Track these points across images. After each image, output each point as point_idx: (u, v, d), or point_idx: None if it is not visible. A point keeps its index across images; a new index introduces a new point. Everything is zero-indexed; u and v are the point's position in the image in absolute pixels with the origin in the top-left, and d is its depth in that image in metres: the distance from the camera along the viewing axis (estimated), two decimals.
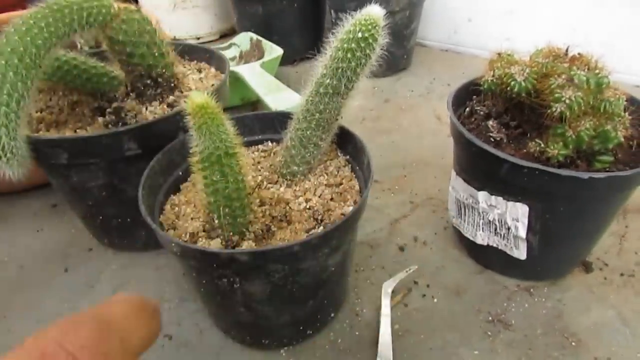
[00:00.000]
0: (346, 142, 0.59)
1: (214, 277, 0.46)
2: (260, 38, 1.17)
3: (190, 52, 0.80)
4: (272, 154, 0.62)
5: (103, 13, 0.59)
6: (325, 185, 0.56)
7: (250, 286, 0.46)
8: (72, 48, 0.86)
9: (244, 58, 1.21)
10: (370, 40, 0.46)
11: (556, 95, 0.51)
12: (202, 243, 0.48)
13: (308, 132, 0.53)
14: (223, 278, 0.46)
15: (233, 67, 1.00)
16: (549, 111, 0.52)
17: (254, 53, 1.18)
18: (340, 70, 0.48)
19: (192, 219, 0.52)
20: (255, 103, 1.08)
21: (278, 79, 0.99)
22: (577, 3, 1.11)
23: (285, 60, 1.19)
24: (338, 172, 0.58)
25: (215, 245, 0.47)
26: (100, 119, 0.63)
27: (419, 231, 0.74)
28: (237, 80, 0.99)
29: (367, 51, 0.46)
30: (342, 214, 0.51)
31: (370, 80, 1.21)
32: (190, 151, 0.44)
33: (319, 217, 0.51)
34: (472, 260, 0.68)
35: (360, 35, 0.45)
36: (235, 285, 0.46)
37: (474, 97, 0.68)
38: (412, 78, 1.22)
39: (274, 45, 1.11)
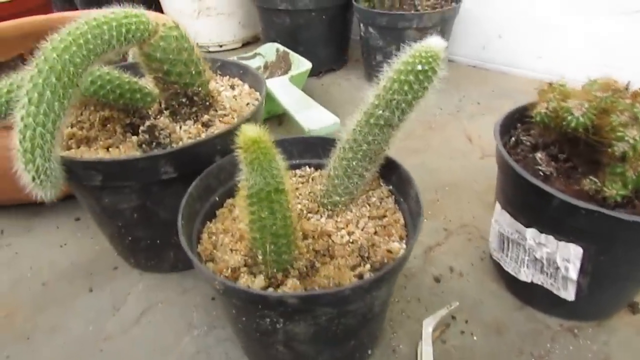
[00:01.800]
0: (390, 171, 0.57)
1: (256, 317, 0.44)
2: (287, 50, 1.15)
3: (222, 67, 0.78)
4: (310, 180, 0.60)
5: (142, 29, 0.57)
6: (368, 217, 0.54)
7: (294, 327, 0.44)
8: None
9: (269, 69, 1.19)
10: (430, 73, 0.44)
11: (619, 134, 0.49)
12: (245, 280, 0.45)
13: (354, 163, 0.51)
14: (266, 318, 0.44)
15: None
16: (609, 150, 0.49)
17: (280, 65, 1.16)
18: (395, 102, 0.46)
19: (231, 250, 0.50)
20: (281, 116, 1.06)
21: (304, 92, 0.96)
22: (611, 19, 1.08)
23: (310, 72, 1.17)
24: (381, 203, 0.55)
25: (258, 282, 0.45)
26: (134, 138, 0.61)
27: (454, 261, 0.71)
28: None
29: (425, 84, 0.44)
30: (388, 251, 0.49)
31: None
32: (239, 185, 0.42)
33: (365, 254, 0.49)
34: (511, 295, 0.65)
35: (420, 67, 0.43)
36: (278, 326, 0.44)
37: (519, 125, 0.66)
38: (440, 95, 1.19)
39: (302, 58, 1.09)
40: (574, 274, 0.54)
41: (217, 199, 0.56)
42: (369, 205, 0.55)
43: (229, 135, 0.58)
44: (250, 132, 0.39)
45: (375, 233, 0.52)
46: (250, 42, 1.53)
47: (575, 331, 0.60)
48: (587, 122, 0.51)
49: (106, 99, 0.64)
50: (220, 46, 1.49)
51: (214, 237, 0.52)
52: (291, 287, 0.44)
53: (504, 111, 0.73)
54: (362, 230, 0.52)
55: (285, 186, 0.42)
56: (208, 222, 0.54)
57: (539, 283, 0.59)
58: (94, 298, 0.67)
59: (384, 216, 0.54)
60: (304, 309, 0.41)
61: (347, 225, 0.53)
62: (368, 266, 0.47)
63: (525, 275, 0.60)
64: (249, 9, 1.43)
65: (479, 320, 0.62)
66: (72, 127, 0.65)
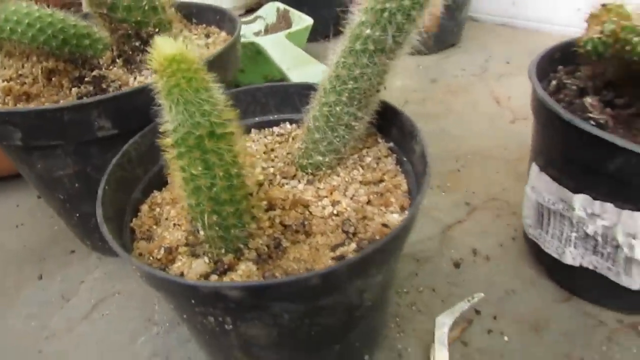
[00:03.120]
0: (390, 123, 0.43)
1: (195, 314, 0.32)
2: (288, 7, 1.02)
3: (198, 14, 0.66)
4: (290, 139, 0.47)
5: None
6: (361, 182, 0.41)
7: (247, 329, 0.32)
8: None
9: (270, 32, 1.06)
10: None
11: None
12: (181, 264, 0.33)
13: (338, 108, 0.38)
14: (209, 316, 0.31)
15: (254, 38, 0.86)
16: None
17: (281, 25, 1.03)
18: (387, 13, 0.33)
19: (174, 225, 0.37)
20: (279, 82, 0.93)
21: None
22: None
23: (317, 35, 1.03)
24: (378, 164, 0.42)
25: (197, 267, 0.32)
26: (74, 91, 0.50)
27: (478, 242, 0.57)
28: (259, 55, 0.84)
29: None
30: (383, 225, 0.36)
31: (413, 58, 1.04)
32: (160, 128, 0.30)
33: (351, 229, 0.36)
34: (552, 283, 0.52)
35: None
36: (227, 327, 0.31)
37: (560, 67, 0.52)
38: (463, 55, 1.04)
39: (304, 15, 0.95)
40: None
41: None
42: (363, 167, 0.42)
43: None
44: (167, 47, 0.26)
45: (369, 202, 0.39)
46: (254, 9, 1.39)
47: (639, 328, 0.46)
48: None
49: (49, 46, 0.53)
50: None
51: (157, 210, 0.40)
52: (244, 273, 0.32)
53: None
54: (351, 199, 0.39)
55: (227, 129, 0.29)
56: (155, 192, 0.42)
57: (591, 267, 0.45)
58: (41, 287, 0.56)
59: (381, 181, 0.41)
60: (253, 304, 0.28)
61: (331, 193, 0.40)
62: (354, 245, 0.34)
63: (572, 257, 0.46)
64: None
65: (511, 316, 0.49)
66: (9, 81, 0.54)
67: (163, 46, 0.27)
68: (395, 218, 0.37)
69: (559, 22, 1.08)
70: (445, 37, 1.05)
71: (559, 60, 0.51)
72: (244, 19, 1.14)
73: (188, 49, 0.27)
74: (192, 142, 0.28)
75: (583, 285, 0.48)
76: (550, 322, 0.48)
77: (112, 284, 0.56)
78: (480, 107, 0.85)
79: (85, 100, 0.42)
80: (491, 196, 0.64)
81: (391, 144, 0.44)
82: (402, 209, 0.38)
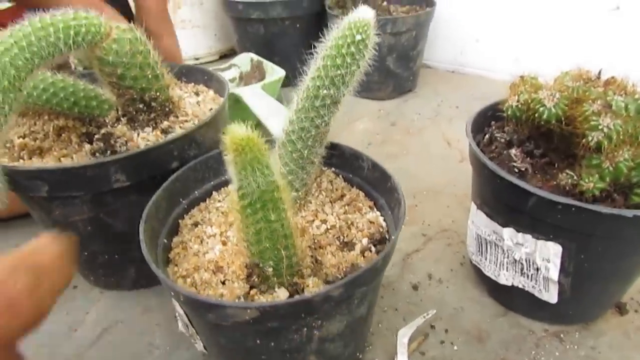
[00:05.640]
0: (329, 153, 0.54)
1: (284, 333, 0.40)
2: (261, 59, 1.12)
3: (187, 74, 0.75)
4: None
5: (92, 32, 0.54)
6: (330, 201, 0.52)
7: (330, 326, 0.41)
8: (64, 68, 0.81)
9: (244, 79, 1.17)
10: (367, 41, 0.42)
11: (592, 122, 0.46)
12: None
13: (305, 152, 0.49)
14: (302, 328, 0.40)
15: (233, 88, 0.95)
16: (584, 140, 0.47)
17: (255, 74, 1.14)
18: (339, 77, 0.43)
19: (222, 282, 0.44)
20: (257, 126, 1.03)
21: (279, 101, 0.94)
22: (588, 18, 1.07)
23: (287, 82, 1.14)
24: (332, 185, 0.54)
25: (283, 295, 0.41)
26: (87, 147, 0.58)
27: (433, 267, 0.68)
28: (237, 103, 0.94)
29: (364, 53, 0.43)
30: (370, 222, 0.48)
31: (376, 103, 1.16)
32: (235, 196, 0.38)
33: (345, 236, 0.47)
34: (493, 301, 0.62)
35: (359, 37, 0.41)
36: (314, 332, 0.40)
37: (493, 122, 0.63)
38: (418, 100, 1.17)
39: (276, 67, 1.06)
40: (554, 274, 0.51)
41: (164, 240, 0.50)
42: (323, 191, 0.53)
43: (185, 140, 0.55)
44: (241, 131, 0.35)
45: (345, 213, 0.50)
46: (227, 55, 1.50)
47: (561, 336, 0.57)
48: (559, 112, 0.49)
49: (60, 108, 0.61)
50: (197, 59, 1.46)
51: (188, 280, 0.47)
52: (314, 286, 0.41)
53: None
54: (332, 215, 0.50)
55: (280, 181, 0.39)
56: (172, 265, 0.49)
57: (520, 286, 0.56)
58: (49, 320, 0.62)
59: (343, 195, 0.53)
60: (346, 296, 0.38)
61: (316, 216, 0.50)
62: (365, 240, 0.46)
63: (506, 278, 0.57)
64: (224, 21, 1.41)
65: (459, 329, 0.59)
66: (24, 138, 0.61)
67: (236, 131, 0.35)
68: (373, 215, 0.49)
69: (500, 70, 1.23)
70: (402, 84, 1.18)
71: (492, 117, 0.63)
72: (218, 66, 1.23)
73: (253, 131, 0.36)
74: (268, 197, 0.37)
75: (516, 301, 0.59)
76: (491, 333, 0.58)
77: (115, 314, 0.63)
78: (433, 148, 0.97)
79: (105, 158, 0.51)
80: (443, 228, 0.75)
81: (333, 169, 0.55)
82: (371, 208, 0.50)
